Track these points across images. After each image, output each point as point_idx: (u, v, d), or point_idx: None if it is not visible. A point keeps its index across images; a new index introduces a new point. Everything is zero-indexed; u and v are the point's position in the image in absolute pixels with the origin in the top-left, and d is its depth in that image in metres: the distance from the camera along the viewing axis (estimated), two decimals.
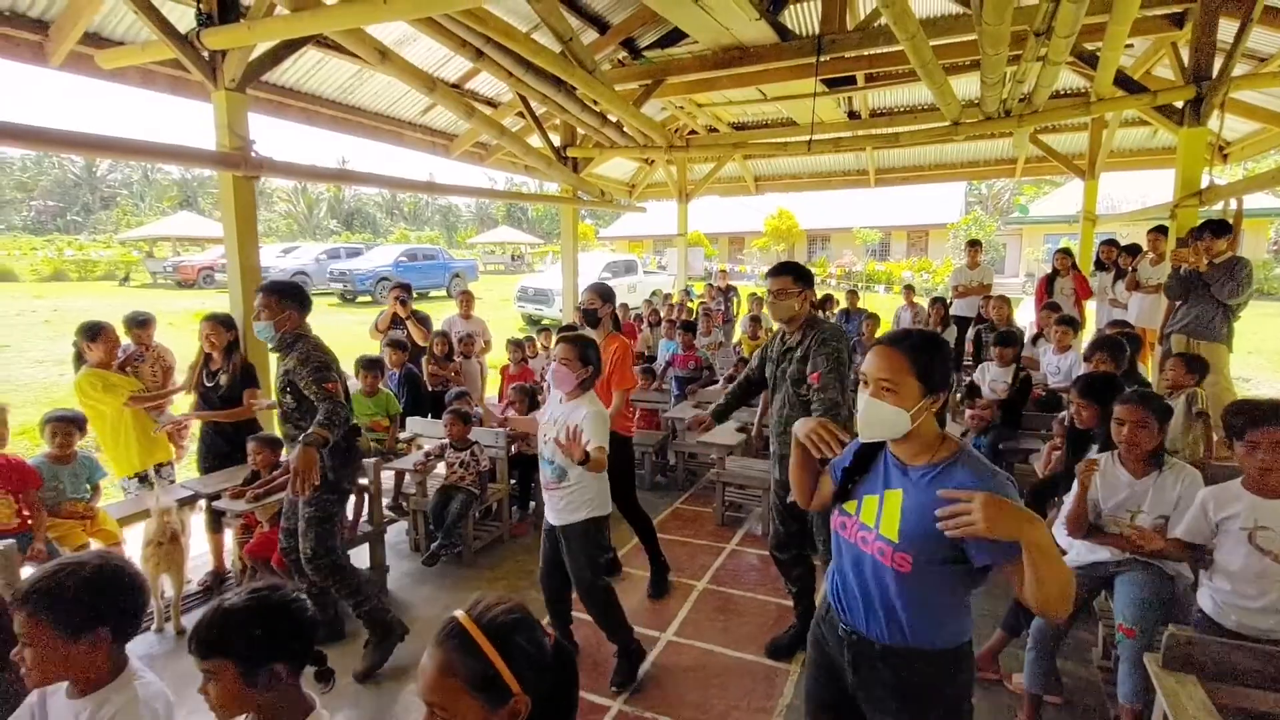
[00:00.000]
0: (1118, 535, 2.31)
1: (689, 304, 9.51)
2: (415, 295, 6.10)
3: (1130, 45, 6.00)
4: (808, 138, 6.39)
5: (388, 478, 4.53)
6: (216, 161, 3.87)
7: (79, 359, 3.78)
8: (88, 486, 3.18)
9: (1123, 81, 5.43)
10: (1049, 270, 7.20)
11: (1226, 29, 5.13)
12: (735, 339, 8.76)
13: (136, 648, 2.99)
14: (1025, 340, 5.65)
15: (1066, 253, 7.04)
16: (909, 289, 8.67)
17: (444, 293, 19.79)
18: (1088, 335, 5.83)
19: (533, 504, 4.67)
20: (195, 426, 4.10)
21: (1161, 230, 5.84)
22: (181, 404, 4.25)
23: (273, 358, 2.97)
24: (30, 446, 5.58)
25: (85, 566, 1.33)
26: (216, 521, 3.61)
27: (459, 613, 1.03)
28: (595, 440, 2.49)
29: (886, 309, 9.71)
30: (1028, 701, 2.48)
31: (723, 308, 9.29)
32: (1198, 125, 5.22)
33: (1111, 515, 2.32)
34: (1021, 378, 4.67)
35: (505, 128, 6.15)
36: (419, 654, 1.06)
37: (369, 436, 4.21)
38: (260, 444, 3.54)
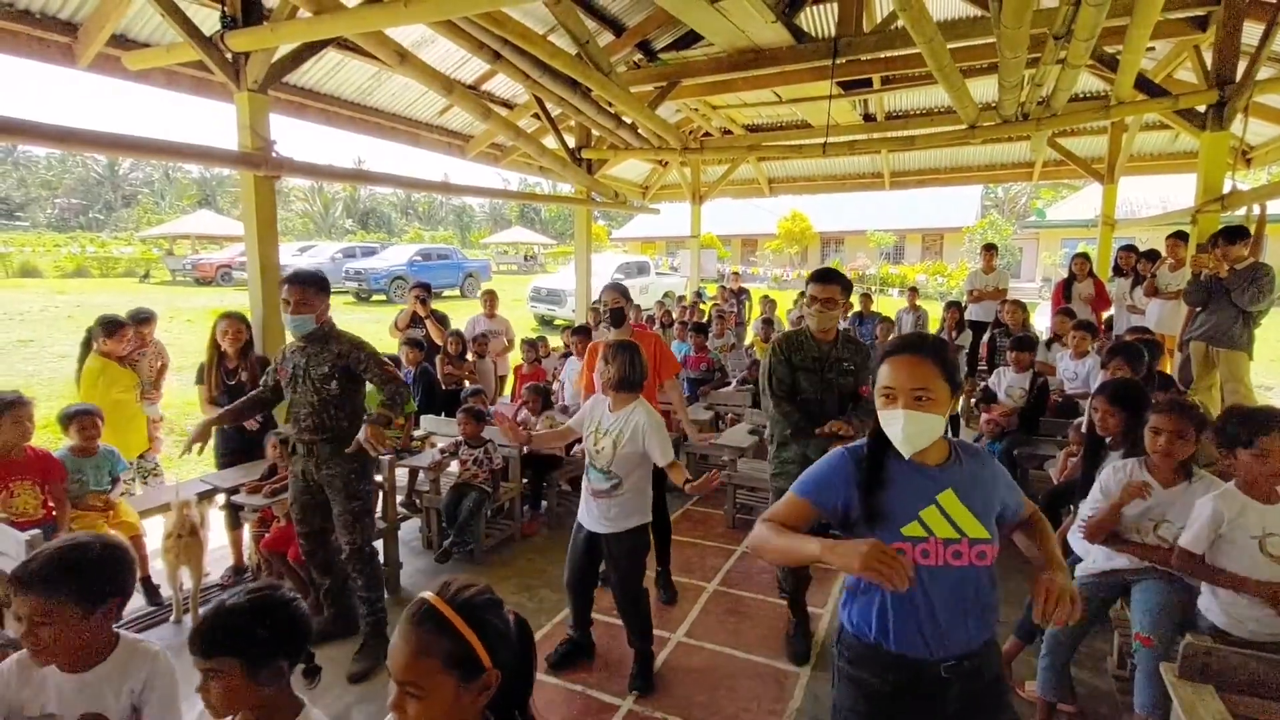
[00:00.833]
0: (1137, 543, 2.28)
1: (701, 306, 9.51)
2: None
3: (1152, 48, 5.92)
4: (823, 140, 6.37)
5: (401, 475, 4.57)
6: (238, 161, 3.93)
7: (86, 346, 3.96)
8: (108, 478, 3.24)
9: (1143, 85, 5.36)
10: (1066, 275, 7.13)
11: (1250, 32, 5.06)
12: (748, 341, 8.74)
13: (156, 638, 3.07)
14: (1040, 345, 5.61)
15: (1085, 258, 6.97)
16: (913, 291, 8.62)
17: (457, 292, 19.93)
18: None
19: (544, 503, 4.70)
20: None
21: (1181, 236, 5.76)
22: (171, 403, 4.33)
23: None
24: (53, 439, 5.69)
25: (92, 544, 1.41)
26: (235, 517, 3.66)
27: (428, 594, 1.08)
28: (667, 453, 2.55)
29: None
30: (1041, 709, 2.46)
31: (735, 310, 9.28)
32: (1220, 129, 5.15)
33: (1134, 523, 2.30)
34: (1040, 384, 4.62)
35: (521, 129, 6.19)
36: None
37: (385, 434, 4.25)
38: (279, 439, 3.60)
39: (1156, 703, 2.04)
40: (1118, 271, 6.76)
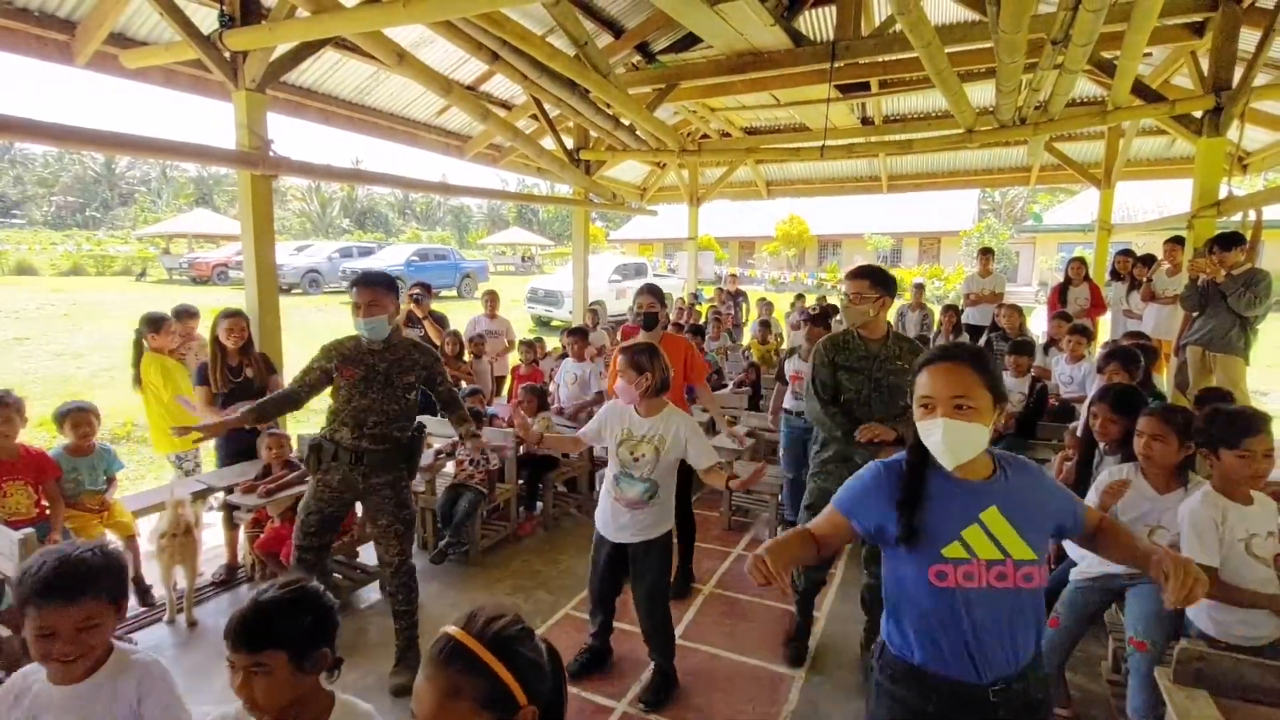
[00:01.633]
0: None
1: (698, 308, 9.52)
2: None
3: (1149, 54, 5.95)
4: (820, 143, 6.38)
5: None
6: (236, 160, 3.92)
7: (138, 346, 4.08)
8: (104, 478, 3.22)
9: (1140, 90, 5.38)
10: (1062, 279, 7.15)
11: (1248, 38, 5.08)
12: (744, 343, 8.75)
13: (148, 639, 3.06)
14: (1037, 349, 5.61)
15: (1081, 262, 6.99)
16: (919, 288, 8.57)
17: (454, 292, 19.91)
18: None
19: (539, 504, 4.69)
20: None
21: (1178, 241, 5.79)
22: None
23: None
24: (48, 438, 5.66)
25: (96, 550, 1.40)
26: (231, 517, 3.65)
27: (454, 630, 0.99)
28: (709, 456, 2.51)
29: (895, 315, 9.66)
30: None
31: (732, 312, 9.29)
32: (1217, 135, 5.17)
33: (1129, 529, 2.29)
34: (1038, 389, 4.63)
35: (519, 130, 6.19)
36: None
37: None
38: (275, 439, 3.59)
39: (1151, 708, 2.04)
40: (1115, 276, 6.78)
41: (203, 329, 4.37)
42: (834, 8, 5.90)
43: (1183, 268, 5.45)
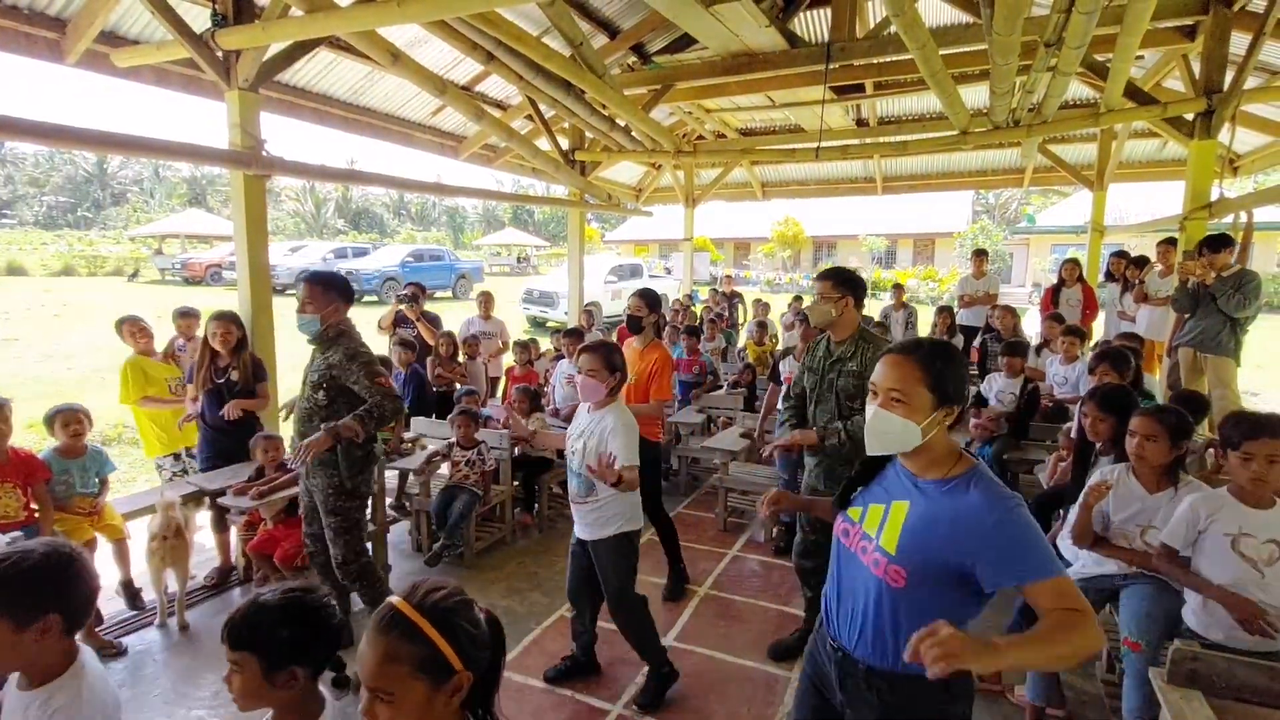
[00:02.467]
0: (1126, 548, 2.30)
1: (693, 309, 9.52)
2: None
3: (1141, 57, 5.98)
4: (815, 145, 6.39)
5: (391, 477, 4.55)
6: (229, 160, 3.90)
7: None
8: (95, 480, 3.19)
9: (1133, 93, 5.42)
10: (1055, 280, 7.18)
11: (1238, 42, 5.12)
12: (740, 344, 8.75)
13: (140, 642, 3.03)
14: (1030, 350, 5.64)
15: (1074, 263, 7.02)
16: (898, 288, 8.61)
17: (450, 293, 19.86)
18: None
19: (535, 506, 4.68)
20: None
21: (1171, 242, 5.82)
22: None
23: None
24: (38, 440, 5.62)
25: (33, 553, 1.32)
26: (222, 519, 3.62)
27: (395, 599, 1.06)
28: (625, 458, 2.45)
29: None
30: (1030, 714, 2.47)
31: (727, 313, 9.29)
32: (1208, 138, 5.20)
33: (1121, 529, 2.31)
34: (1030, 390, 4.65)
35: (514, 130, 6.18)
36: None
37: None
38: (269, 441, 3.57)
39: (1145, 708, 2.04)
40: (1109, 277, 6.82)
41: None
42: (829, 10, 5.91)
43: (1175, 269, 5.48)
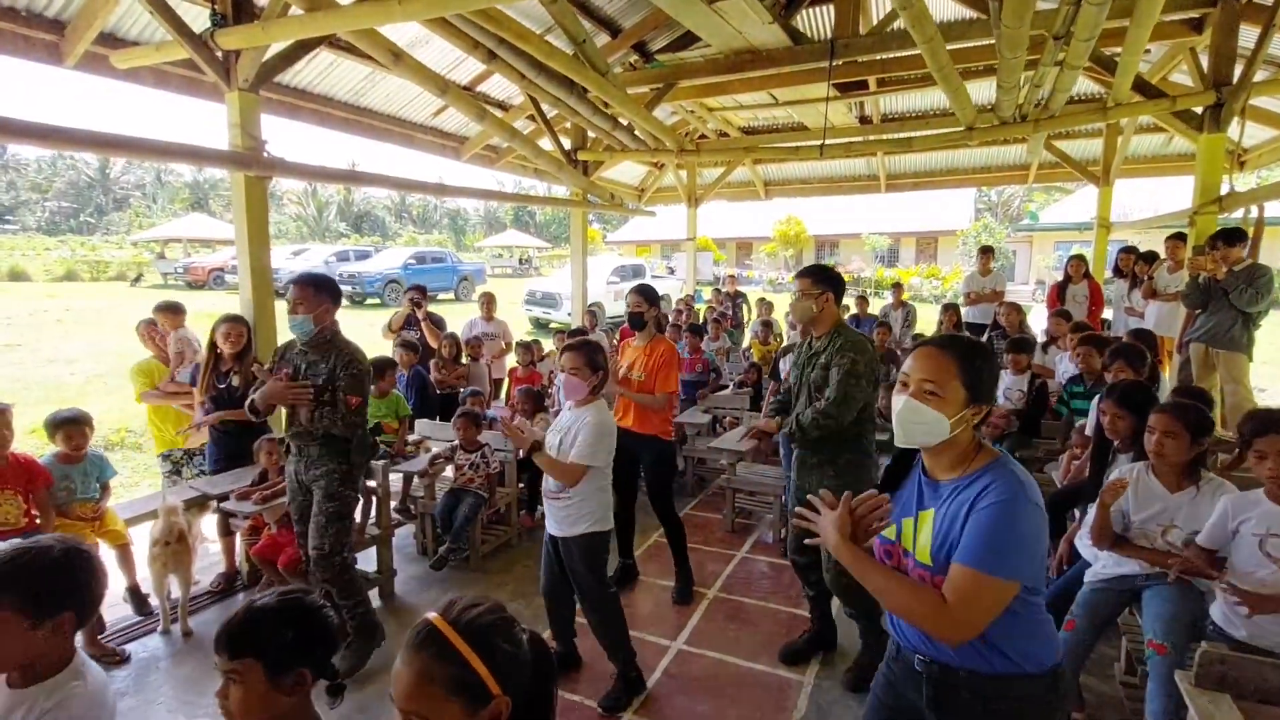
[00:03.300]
0: (1147, 548, 2.25)
1: (696, 308, 9.48)
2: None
3: (1148, 51, 5.93)
4: (820, 142, 6.34)
5: (395, 480, 4.50)
6: (229, 161, 3.86)
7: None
8: (97, 485, 3.15)
9: (1141, 87, 5.36)
10: (1061, 277, 7.12)
11: (1246, 35, 5.07)
12: (745, 344, 8.70)
13: (144, 649, 3.00)
14: (1036, 347, 5.57)
15: (1081, 259, 6.96)
16: (897, 287, 8.55)
17: (451, 295, 19.84)
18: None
19: (540, 508, 4.64)
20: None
21: (1180, 237, 5.76)
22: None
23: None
24: (40, 445, 5.59)
25: (53, 549, 1.29)
26: (226, 523, 3.58)
27: (432, 615, 1.01)
28: (580, 455, 2.47)
29: None
30: None
31: (731, 313, 9.24)
32: (1217, 131, 5.14)
33: (1141, 529, 2.26)
34: (1037, 386, 4.60)
35: (516, 130, 6.14)
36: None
37: (379, 439, 4.19)
38: (271, 444, 3.53)
39: (1170, 711, 1.99)
40: (1117, 273, 6.75)
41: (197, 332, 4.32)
42: (832, 6, 5.87)
43: (1185, 264, 5.42)
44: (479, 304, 6.47)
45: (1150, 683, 2.07)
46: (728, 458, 4.47)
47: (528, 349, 5.98)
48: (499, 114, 6.85)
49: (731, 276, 11.54)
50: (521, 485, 4.45)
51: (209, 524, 3.72)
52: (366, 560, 3.55)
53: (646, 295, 3.51)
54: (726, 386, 6.28)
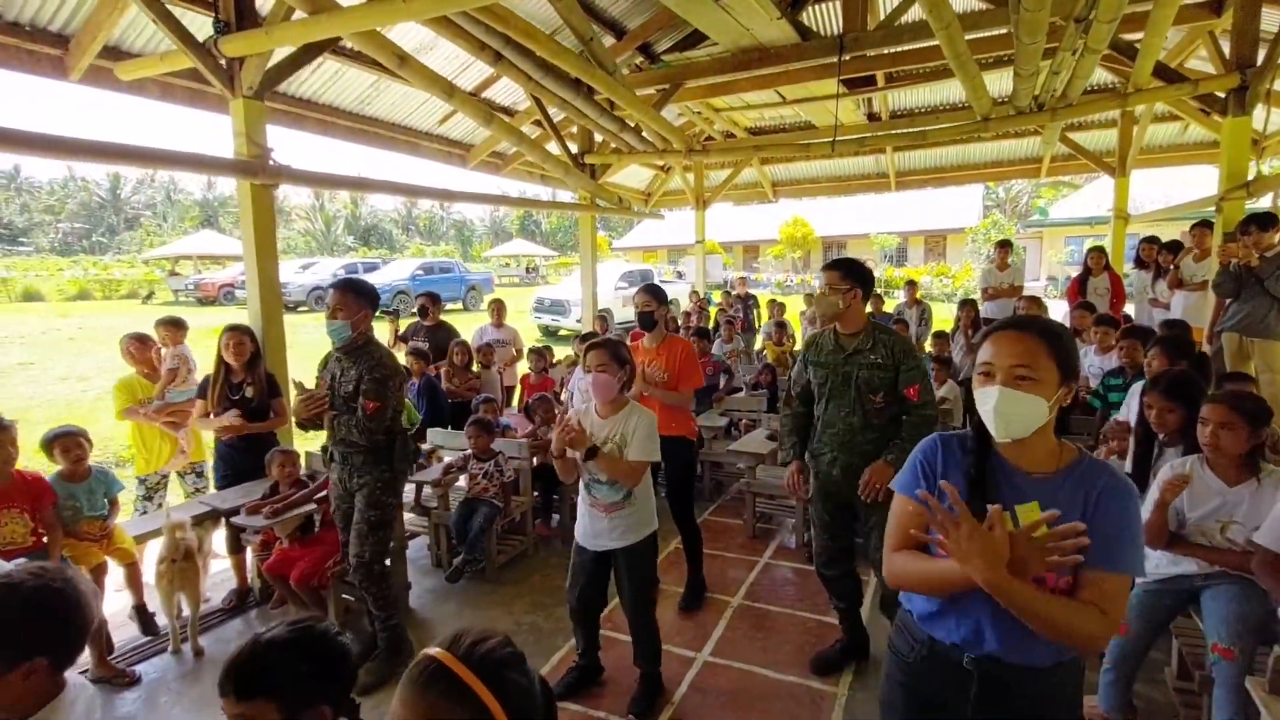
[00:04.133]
0: (1204, 546, 2.12)
1: (708, 310, 9.38)
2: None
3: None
4: (831, 138, 6.24)
5: (408, 490, 4.41)
6: (235, 169, 3.81)
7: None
8: (105, 502, 3.08)
9: (1160, 72, 5.24)
10: (1080, 270, 6.97)
11: (1268, 18, 4.93)
12: (758, 346, 8.59)
13: (153, 670, 2.91)
14: None
15: (1100, 251, 6.81)
16: (911, 284, 8.41)
17: (460, 305, 19.85)
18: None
19: (556, 516, 4.54)
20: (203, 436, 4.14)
21: (1205, 225, 5.60)
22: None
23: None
24: (48, 464, 5.55)
25: (18, 588, 1.16)
26: (237, 539, 3.50)
27: (437, 650, 0.90)
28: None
29: None
30: None
31: (742, 315, 9.13)
32: (1243, 114, 5.01)
33: (1198, 525, 2.13)
34: None
35: (523, 134, 6.08)
36: None
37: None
38: (285, 456, 3.45)
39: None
40: (1139, 264, 6.59)
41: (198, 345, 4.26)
42: (838, 2, 5.79)
43: (1211, 253, 5.26)
44: (489, 311, 6.41)
45: (1216, 690, 1.94)
46: (747, 461, 4.36)
47: (540, 355, 5.90)
48: (505, 119, 6.80)
49: (741, 279, 11.44)
50: (536, 494, 4.35)
51: (220, 540, 3.64)
52: None
53: (656, 294, 3.42)
54: (740, 389, 6.17)
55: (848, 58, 5.47)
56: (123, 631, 3.20)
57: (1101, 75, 7.14)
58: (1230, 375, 3.40)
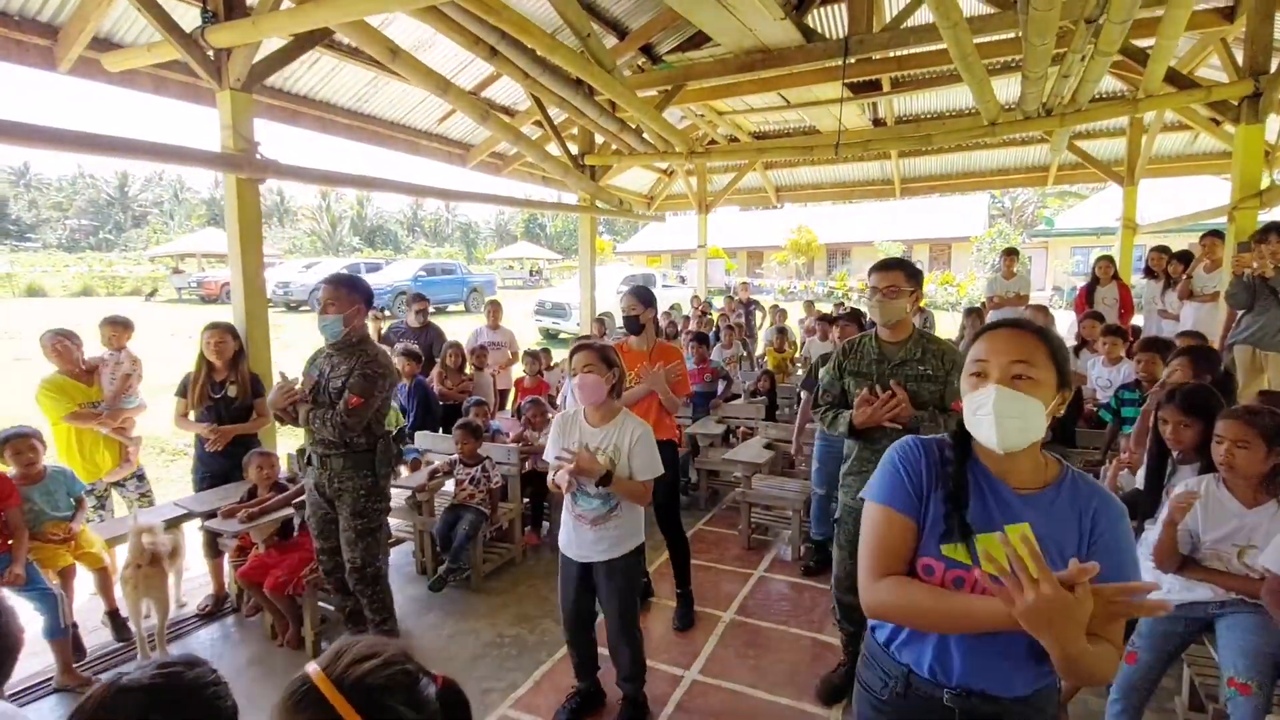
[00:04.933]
0: (1220, 572, 1.99)
1: (710, 315, 9.27)
2: (433, 309, 5.96)
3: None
4: (835, 141, 6.14)
5: (393, 496, 4.31)
6: (220, 163, 3.72)
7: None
8: (71, 501, 2.97)
9: (1172, 79, 5.13)
10: (1087, 280, 6.84)
11: None
12: (760, 351, 8.48)
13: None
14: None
15: (1109, 260, 6.68)
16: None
17: (462, 307, 19.78)
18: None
19: (545, 524, 4.42)
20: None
21: (1217, 235, 5.48)
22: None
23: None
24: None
25: None
26: (214, 543, 3.40)
27: (313, 668, 0.81)
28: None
29: None
30: None
31: (743, 321, 9.03)
32: (1256, 122, 4.89)
33: (1213, 549, 2.00)
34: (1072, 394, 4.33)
35: (521, 133, 5.99)
36: None
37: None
38: (263, 458, 3.35)
39: None
40: (1148, 274, 6.47)
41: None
42: (844, 3, 5.69)
43: (1223, 263, 5.14)
44: (485, 312, 6.32)
45: None
46: (743, 470, 4.24)
47: (536, 358, 5.80)
48: (504, 119, 6.72)
49: (744, 284, 11.33)
50: (525, 501, 4.24)
51: (196, 543, 3.53)
52: None
53: (641, 297, 3.23)
54: (739, 395, 6.05)
55: (852, 60, 5.38)
56: (94, 637, 3.10)
57: (1111, 83, 7.04)
58: (1268, 394, 3.20)
